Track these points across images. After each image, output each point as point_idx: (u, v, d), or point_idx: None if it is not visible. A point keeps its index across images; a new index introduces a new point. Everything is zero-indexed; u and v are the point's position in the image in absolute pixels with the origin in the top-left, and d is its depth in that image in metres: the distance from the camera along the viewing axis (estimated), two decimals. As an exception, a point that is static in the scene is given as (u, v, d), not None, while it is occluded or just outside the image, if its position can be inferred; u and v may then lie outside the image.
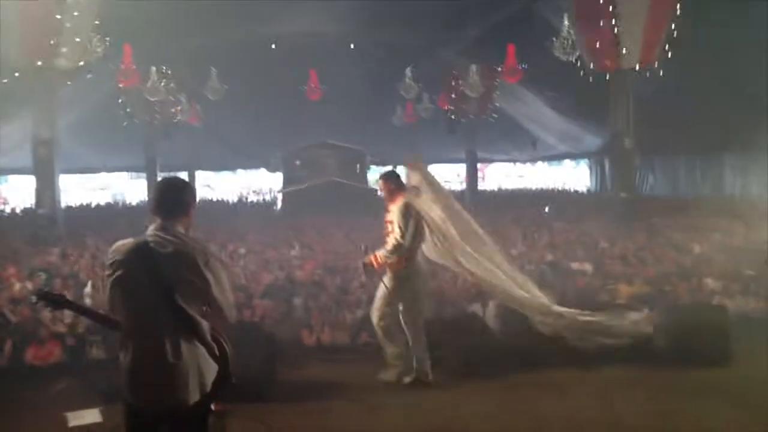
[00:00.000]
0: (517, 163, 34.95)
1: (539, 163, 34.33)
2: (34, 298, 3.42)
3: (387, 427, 5.07)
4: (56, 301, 3.35)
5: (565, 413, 5.13)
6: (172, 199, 3.26)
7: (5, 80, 12.43)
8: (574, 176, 33.42)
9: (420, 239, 5.81)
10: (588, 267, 9.44)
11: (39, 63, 12.38)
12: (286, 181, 23.62)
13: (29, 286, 9.38)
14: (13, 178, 24.14)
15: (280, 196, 24.40)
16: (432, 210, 5.87)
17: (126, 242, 3.19)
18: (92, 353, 6.98)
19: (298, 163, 23.08)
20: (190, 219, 3.30)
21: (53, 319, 7.56)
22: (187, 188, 3.37)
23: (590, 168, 28.29)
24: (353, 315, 7.61)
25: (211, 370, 3.16)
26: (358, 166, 23.54)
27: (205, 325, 3.16)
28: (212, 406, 3.23)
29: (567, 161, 34.28)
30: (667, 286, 7.73)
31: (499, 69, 19.44)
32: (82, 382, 5.80)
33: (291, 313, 7.88)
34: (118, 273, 3.13)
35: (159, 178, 22.32)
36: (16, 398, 5.61)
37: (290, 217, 18.80)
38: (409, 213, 5.71)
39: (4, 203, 23.47)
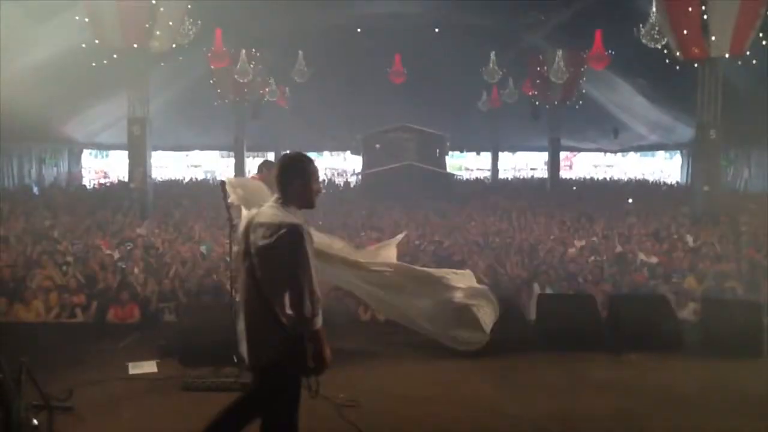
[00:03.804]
0: (607, 153, 33.96)
1: (630, 153, 33.21)
2: None
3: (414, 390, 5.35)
4: None
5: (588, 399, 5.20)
6: (279, 173, 3.35)
7: (105, 61, 13.37)
8: (666, 168, 32.08)
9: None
10: (654, 260, 9.25)
11: (135, 45, 13.21)
12: (366, 164, 24.04)
13: (116, 254, 10.23)
14: (113, 154, 25.73)
15: (359, 179, 24.88)
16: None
17: (250, 212, 3.44)
18: (165, 316, 7.62)
19: (378, 146, 23.42)
20: (296, 195, 3.33)
21: (145, 283, 8.29)
22: (287, 165, 3.40)
23: (682, 160, 27.13)
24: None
25: (280, 342, 3.25)
26: (437, 150, 23.63)
27: (280, 302, 3.21)
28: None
29: (660, 152, 32.92)
30: (728, 282, 7.50)
31: (586, 55, 18.99)
32: (145, 339, 6.37)
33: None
34: (242, 242, 3.37)
35: (248, 157, 23.70)
36: (91, 350, 6.21)
37: (367, 200, 19.19)
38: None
39: (105, 177, 25.13)
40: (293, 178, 3.34)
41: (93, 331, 7.08)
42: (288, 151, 4.13)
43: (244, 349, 3.38)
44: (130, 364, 5.63)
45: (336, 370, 5.64)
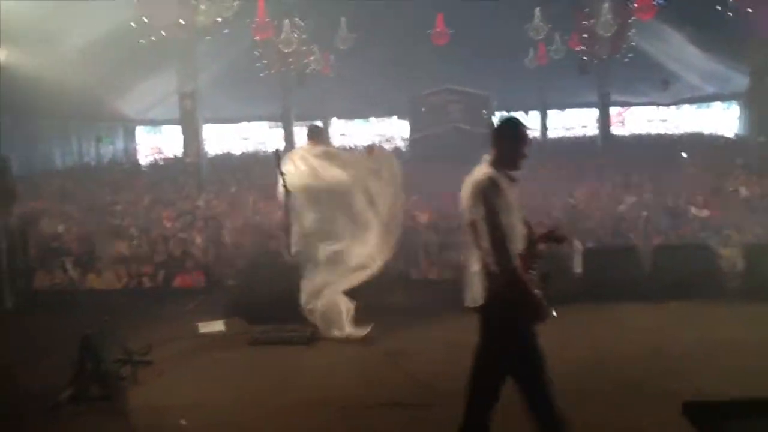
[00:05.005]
0: (661, 107, 32.95)
1: (685, 106, 32.17)
2: None
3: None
4: None
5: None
6: (493, 135, 3.65)
7: (153, 38, 13.72)
8: (723, 119, 30.94)
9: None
10: (705, 213, 9.21)
11: (181, 21, 13.52)
12: (412, 128, 24.06)
13: (178, 225, 10.71)
14: (166, 129, 26.36)
15: (406, 143, 24.96)
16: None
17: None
18: (227, 280, 8.04)
19: (423, 109, 23.38)
20: (504, 156, 3.57)
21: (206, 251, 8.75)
22: (500, 126, 3.71)
23: (740, 110, 26.20)
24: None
25: (486, 287, 3.51)
26: (483, 111, 23.45)
27: (484, 248, 3.48)
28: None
29: (718, 103, 31.74)
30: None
31: (633, 5, 18.46)
32: (211, 302, 6.79)
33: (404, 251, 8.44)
34: None
35: (295, 127, 24.07)
36: (162, 314, 6.67)
37: (415, 164, 19.31)
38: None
39: (159, 153, 25.82)
40: (504, 140, 3.61)
41: (162, 296, 7.54)
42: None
43: (466, 290, 3.68)
44: (200, 324, 6.07)
45: (388, 321, 6.06)
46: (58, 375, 4.69)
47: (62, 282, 7.89)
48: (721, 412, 3.11)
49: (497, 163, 3.58)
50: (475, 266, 3.57)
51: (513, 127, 3.67)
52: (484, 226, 3.44)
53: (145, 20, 13.50)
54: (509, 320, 3.52)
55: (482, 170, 3.56)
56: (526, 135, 3.67)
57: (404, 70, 23.84)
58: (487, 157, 3.63)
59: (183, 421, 4.35)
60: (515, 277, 3.42)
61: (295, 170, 6.21)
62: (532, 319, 3.52)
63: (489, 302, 3.53)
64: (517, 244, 3.51)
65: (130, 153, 23.27)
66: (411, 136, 24.18)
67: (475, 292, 3.59)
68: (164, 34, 13.74)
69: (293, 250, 6.29)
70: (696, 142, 24.36)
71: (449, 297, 6.71)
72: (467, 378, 3.63)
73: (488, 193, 3.45)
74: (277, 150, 6.18)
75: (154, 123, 25.39)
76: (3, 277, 7.17)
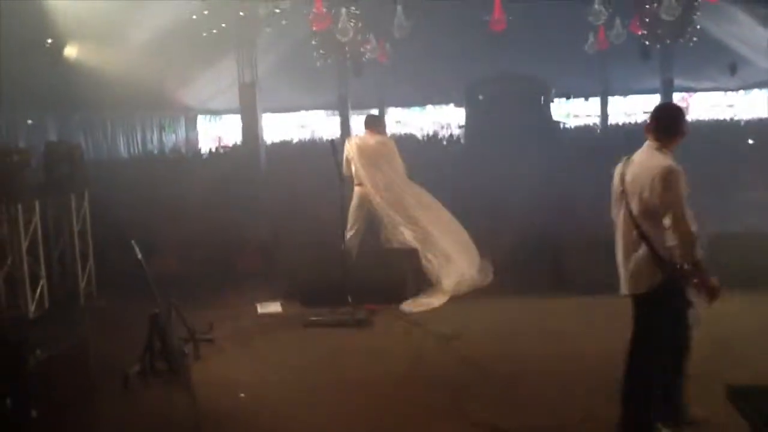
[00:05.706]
0: (729, 92, 31.73)
1: (755, 90, 30.91)
2: None
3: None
4: None
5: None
6: (665, 122, 3.73)
7: (214, 30, 14.14)
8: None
9: (348, 168, 7.22)
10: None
11: (241, 13, 13.88)
12: (469, 116, 23.91)
13: (237, 210, 11.02)
14: (225, 117, 26.98)
15: (462, 131, 24.85)
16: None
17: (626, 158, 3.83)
18: (283, 264, 8.28)
19: (480, 96, 23.20)
20: (671, 140, 3.67)
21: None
22: (670, 113, 3.82)
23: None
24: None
25: (655, 273, 3.59)
26: (541, 97, 23.11)
27: (658, 235, 3.56)
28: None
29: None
30: None
31: (699, -14, 17.85)
32: (269, 284, 7.06)
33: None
34: (618, 183, 3.80)
35: (352, 115, 24.30)
36: (222, 295, 6.97)
37: (471, 151, 19.28)
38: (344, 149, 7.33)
39: (219, 142, 26.46)
40: (677, 127, 3.72)
41: (222, 278, 7.84)
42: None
43: (623, 278, 3.80)
44: (258, 305, 6.36)
45: (443, 308, 6.23)
46: (127, 351, 5.04)
47: (130, 265, 8.26)
48: (765, 397, 3.12)
49: (664, 149, 3.65)
50: (640, 252, 3.62)
51: (682, 116, 3.79)
52: (675, 214, 3.46)
53: (206, 13, 13.91)
54: (674, 306, 3.63)
55: (659, 158, 3.60)
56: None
57: (461, 57, 23.66)
58: (654, 144, 3.68)
59: (242, 395, 4.62)
60: (699, 265, 3.49)
61: None
62: (709, 301, 3.56)
63: (657, 289, 3.59)
64: None
65: (191, 141, 23.97)
66: (468, 123, 24.03)
67: (638, 280, 3.66)
68: (225, 26, 14.14)
69: (348, 235, 6.59)
70: (764, 127, 23.42)
71: (505, 282, 6.85)
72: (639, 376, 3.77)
73: (678, 184, 3.50)
74: (332, 139, 6.43)
75: (215, 112, 26.03)
76: (75, 260, 7.59)
